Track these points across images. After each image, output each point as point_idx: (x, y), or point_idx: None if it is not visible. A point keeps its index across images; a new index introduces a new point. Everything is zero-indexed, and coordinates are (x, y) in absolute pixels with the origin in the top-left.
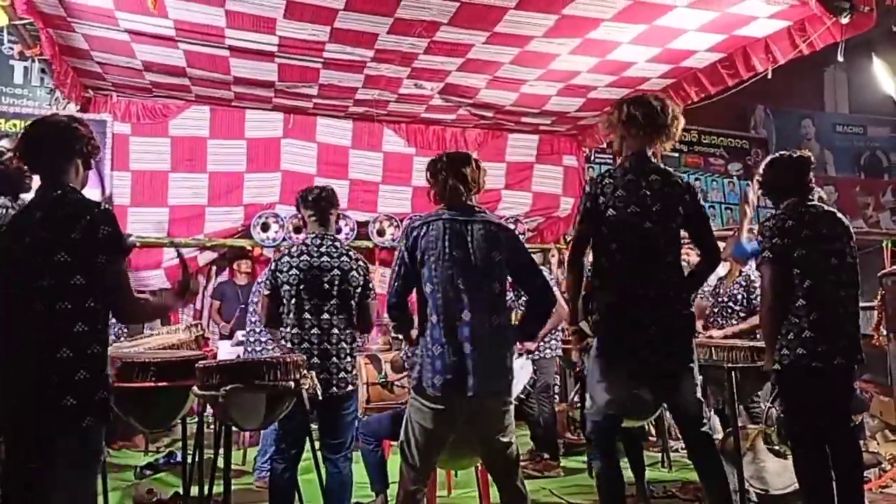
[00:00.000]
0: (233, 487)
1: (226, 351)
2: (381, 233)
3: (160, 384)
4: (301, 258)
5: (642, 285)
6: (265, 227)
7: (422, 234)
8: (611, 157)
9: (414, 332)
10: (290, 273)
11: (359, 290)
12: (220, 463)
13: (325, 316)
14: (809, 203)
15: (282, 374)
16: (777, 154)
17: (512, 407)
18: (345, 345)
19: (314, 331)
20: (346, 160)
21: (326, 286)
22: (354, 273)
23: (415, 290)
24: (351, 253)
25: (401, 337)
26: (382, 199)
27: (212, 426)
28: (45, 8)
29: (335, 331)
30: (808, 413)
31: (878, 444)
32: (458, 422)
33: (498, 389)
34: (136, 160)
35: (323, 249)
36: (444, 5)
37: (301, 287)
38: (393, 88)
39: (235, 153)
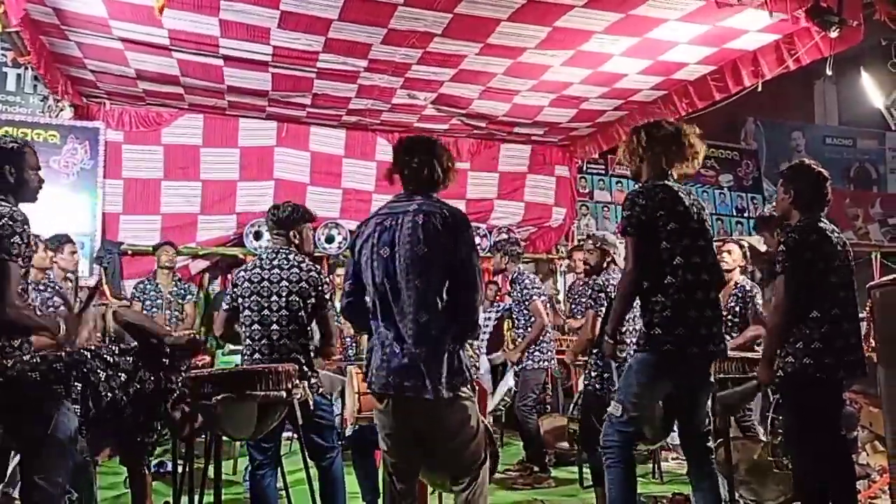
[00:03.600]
0: (223, 497)
1: (223, 361)
2: None
3: None
4: (253, 271)
5: (701, 301)
6: (258, 236)
7: (358, 234)
8: (602, 167)
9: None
10: (243, 286)
11: (310, 300)
12: (211, 473)
13: (275, 327)
14: (821, 219)
15: (273, 383)
16: (808, 163)
17: (460, 409)
18: (296, 355)
19: (263, 341)
20: (339, 169)
21: (275, 297)
22: (304, 284)
23: None
24: (304, 264)
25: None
26: (375, 207)
27: (203, 435)
28: (39, 16)
29: (284, 341)
30: (808, 421)
31: (867, 455)
32: (400, 420)
33: (427, 389)
34: (128, 168)
35: (275, 262)
36: (438, 17)
37: (252, 298)
38: (386, 98)
39: (228, 161)
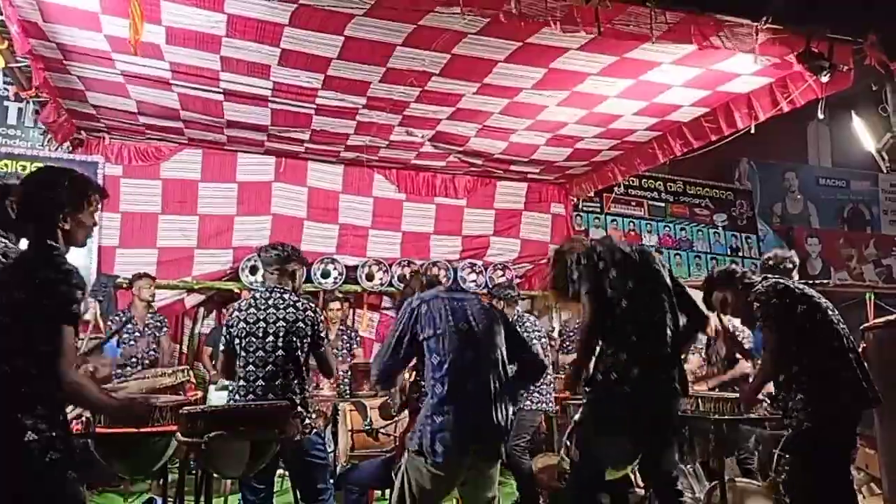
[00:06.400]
0: None
1: (213, 395)
2: (369, 277)
3: (142, 430)
4: (248, 311)
5: (649, 350)
6: (254, 270)
7: (424, 310)
8: (598, 205)
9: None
10: (239, 326)
11: (307, 340)
12: None
13: (270, 367)
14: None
15: (266, 421)
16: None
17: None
18: (292, 395)
19: (259, 382)
20: (336, 205)
21: (271, 338)
22: (301, 324)
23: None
24: (299, 304)
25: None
26: (372, 243)
27: (194, 473)
28: (43, 51)
29: (280, 381)
30: (814, 465)
31: (864, 497)
32: (454, 483)
33: (496, 453)
34: (126, 202)
35: (270, 302)
36: (436, 57)
37: (247, 339)
38: (384, 135)
39: (226, 196)
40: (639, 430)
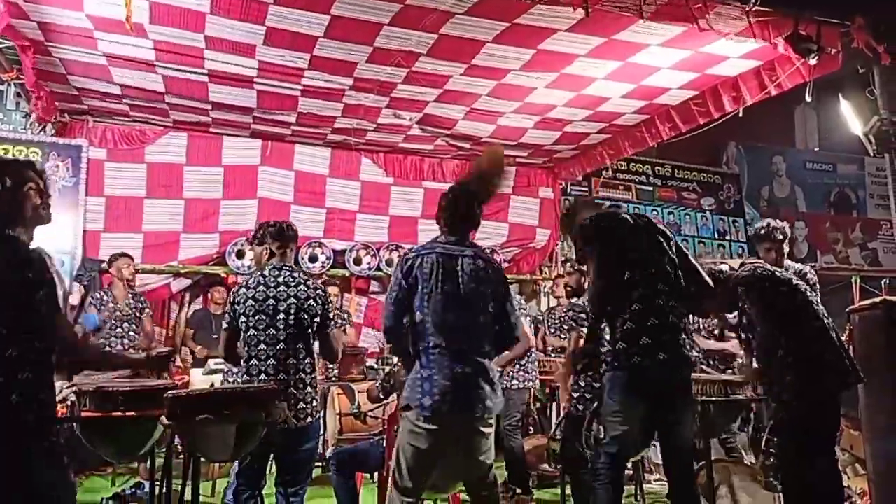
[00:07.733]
0: None
1: (198, 379)
2: (357, 261)
3: (128, 414)
4: (258, 289)
5: (664, 319)
6: (240, 255)
7: (416, 264)
8: (586, 189)
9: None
10: (247, 304)
11: (317, 319)
12: (188, 495)
13: (282, 346)
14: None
15: (253, 404)
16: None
17: (493, 430)
18: (303, 375)
19: (270, 361)
20: (323, 188)
21: (282, 315)
22: (311, 302)
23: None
24: (309, 282)
25: (397, 360)
26: (359, 227)
27: (181, 456)
28: (25, 31)
29: (291, 360)
30: (802, 446)
31: (848, 477)
32: (445, 442)
33: (483, 411)
34: (110, 185)
35: (280, 279)
36: (423, 36)
37: (257, 317)
38: (371, 118)
39: (212, 180)
40: (654, 400)
